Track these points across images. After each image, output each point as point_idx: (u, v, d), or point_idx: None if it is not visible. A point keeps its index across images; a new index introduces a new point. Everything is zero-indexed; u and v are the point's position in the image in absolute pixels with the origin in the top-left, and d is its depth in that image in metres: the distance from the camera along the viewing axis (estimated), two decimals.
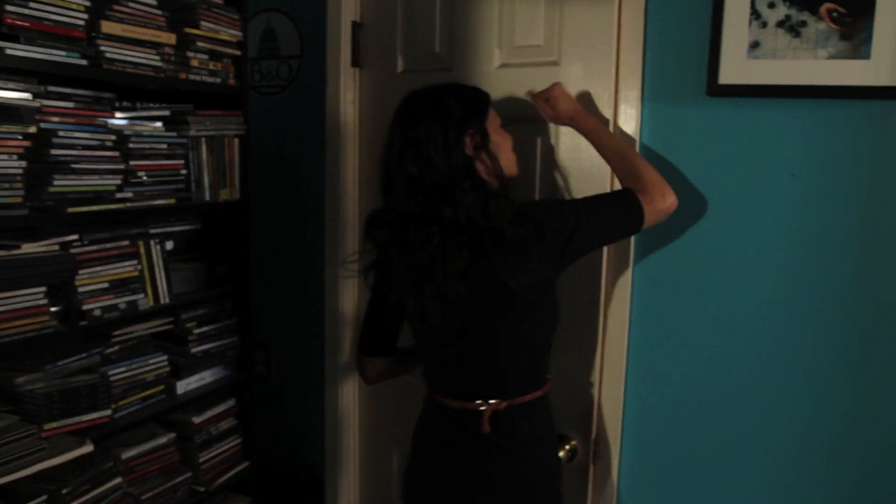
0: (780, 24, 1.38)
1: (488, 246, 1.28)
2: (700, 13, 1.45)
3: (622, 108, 1.53)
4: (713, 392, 1.53)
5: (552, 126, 1.59)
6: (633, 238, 1.55)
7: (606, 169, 1.49)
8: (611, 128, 1.53)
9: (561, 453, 1.59)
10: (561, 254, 1.30)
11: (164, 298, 1.73)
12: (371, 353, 1.53)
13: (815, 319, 1.42)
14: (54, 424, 1.50)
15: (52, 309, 1.49)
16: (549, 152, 1.61)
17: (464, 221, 1.27)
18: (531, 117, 1.56)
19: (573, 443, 1.63)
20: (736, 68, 1.42)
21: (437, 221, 1.27)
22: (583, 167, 1.57)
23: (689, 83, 1.48)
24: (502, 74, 1.65)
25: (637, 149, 1.52)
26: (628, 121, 1.52)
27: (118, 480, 1.64)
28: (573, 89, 1.55)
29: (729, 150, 1.46)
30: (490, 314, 1.32)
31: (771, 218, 1.44)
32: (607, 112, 1.53)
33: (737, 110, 1.44)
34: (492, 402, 1.35)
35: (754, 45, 1.40)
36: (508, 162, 1.39)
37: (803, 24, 1.36)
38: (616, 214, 1.34)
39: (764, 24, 1.39)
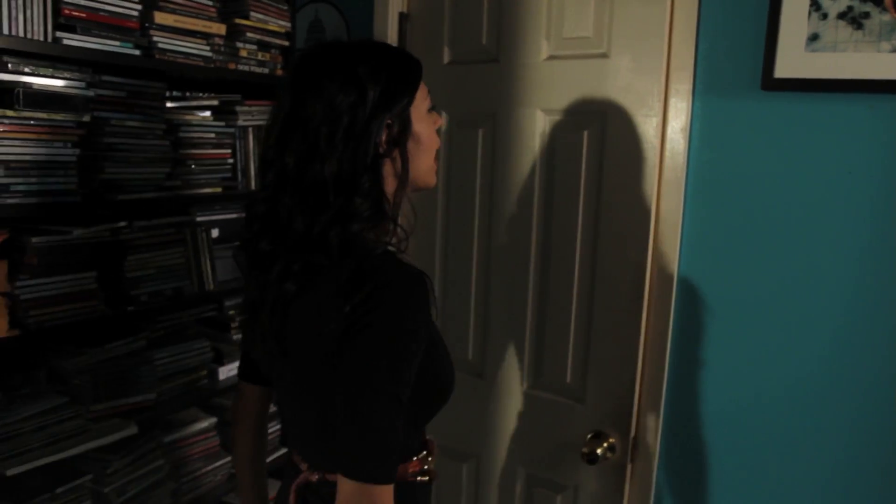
0: (842, 15, 1.33)
1: (318, 280, 0.93)
2: (757, 4, 1.40)
3: (672, 102, 1.49)
4: (756, 395, 1.48)
5: (599, 118, 1.56)
6: (679, 233, 1.51)
7: (654, 162, 1.46)
8: (659, 123, 1.49)
9: (599, 450, 1.56)
10: (333, 354, 0.90)
11: (209, 285, 1.76)
12: (243, 377, 1.19)
13: (868, 321, 1.37)
14: (100, 406, 1.53)
15: (101, 293, 1.52)
16: (597, 145, 1.58)
17: (315, 239, 0.91)
18: (579, 109, 1.54)
19: (612, 440, 1.60)
20: (793, 61, 1.37)
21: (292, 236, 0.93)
22: (632, 161, 1.53)
23: (743, 77, 1.43)
24: (550, 67, 1.63)
25: (686, 145, 1.48)
26: (678, 115, 1.49)
27: (160, 462, 1.68)
28: (622, 82, 1.52)
29: (783, 147, 1.41)
30: (304, 362, 0.97)
31: (827, 217, 1.39)
32: (657, 106, 1.49)
33: (793, 105, 1.39)
34: (303, 468, 1.06)
35: (813, 38, 1.35)
36: (427, 168, 1.02)
37: (866, 15, 1.31)
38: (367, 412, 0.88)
39: (824, 16, 1.34)
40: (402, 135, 0.95)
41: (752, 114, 1.43)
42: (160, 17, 1.55)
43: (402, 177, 0.96)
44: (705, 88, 1.47)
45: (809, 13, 1.35)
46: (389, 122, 0.94)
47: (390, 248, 0.96)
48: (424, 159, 1.00)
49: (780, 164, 1.42)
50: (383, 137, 0.93)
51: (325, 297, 0.91)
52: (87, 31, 1.42)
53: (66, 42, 1.39)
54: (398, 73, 0.96)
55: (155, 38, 1.55)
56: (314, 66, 0.94)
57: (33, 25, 1.34)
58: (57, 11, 1.38)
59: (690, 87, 1.47)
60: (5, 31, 1.30)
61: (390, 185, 0.96)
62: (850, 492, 1.42)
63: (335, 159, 0.90)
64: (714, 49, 1.46)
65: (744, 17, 1.42)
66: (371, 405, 0.87)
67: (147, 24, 1.54)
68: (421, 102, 0.99)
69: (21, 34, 1.32)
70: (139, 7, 1.51)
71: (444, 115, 1.73)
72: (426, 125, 1.00)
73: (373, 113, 0.91)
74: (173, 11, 1.58)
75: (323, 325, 0.90)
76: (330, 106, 0.90)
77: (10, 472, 1.33)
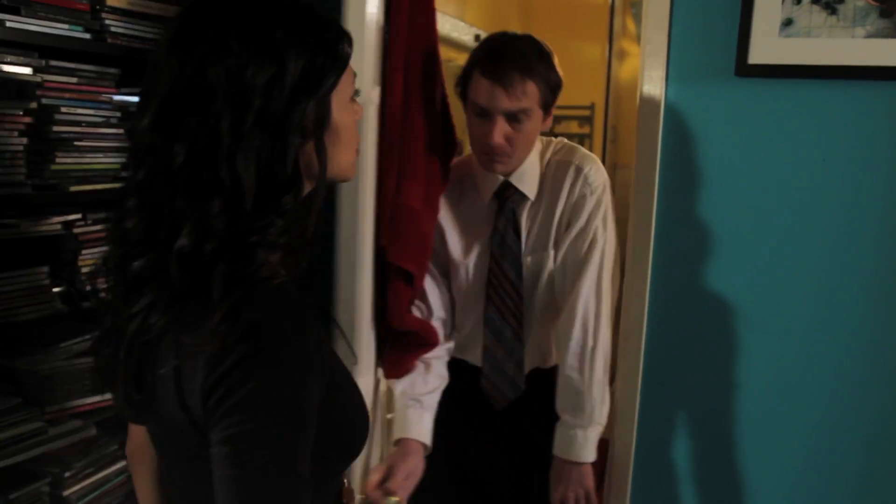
0: (816, 0, 1.30)
1: (186, 314, 0.73)
2: None
3: (645, 89, 1.46)
4: (728, 395, 1.47)
5: None
6: (653, 227, 1.49)
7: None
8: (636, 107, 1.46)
9: None
10: (202, 419, 0.72)
11: None
12: (129, 417, 0.97)
13: (843, 315, 1.36)
14: (56, 407, 1.47)
15: (55, 290, 1.46)
16: None
17: (205, 265, 0.71)
18: None
19: None
20: (767, 47, 1.35)
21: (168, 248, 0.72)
22: None
23: (716, 63, 1.41)
24: None
25: (660, 131, 1.45)
26: (651, 102, 1.46)
27: (122, 464, 1.62)
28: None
29: (758, 134, 1.39)
30: (169, 419, 0.77)
31: (801, 205, 1.37)
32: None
33: (767, 92, 1.37)
34: None
35: (787, 23, 1.33)
36: (347, 165, 0.84)
37: (840, 0, 1.29)
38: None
39: (798, 1, 1.31)
40: (320, 126, 0.76)
41: (725, 100, 1.42)
42: (112, 0, 1.48)
43: (320, 181, 0.78)
44: (678, 75, 1.45)
45: None
46: (306, 106, 0.74)
47: (281, 276, 0.75)
48: (344, 156, 0.82)
49: (754, 150, 1.40)
50: (298, 128, 0.74)
51: (193, 339, 0.70)
52: (32, 13, 1.35)
53: (9, 24, 1.31)
54: (326, 44, 0.76)
55: (107, 22, 1.47)
56: (216, 18, 0.73)
57: None
58: None
59: (664, 73, 1.45)
60: None
61: (308, 181, 0.79)
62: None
63: (246, 157, 0.70)
64: (687, 34, 1.43)
65: (717, 1, 1.39)
66: (260, 495, 0.67)
67: (98, 7, 1.46)
68: (345, 87, 0.80)
69: None
70: None
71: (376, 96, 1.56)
72: (348, 115, 0.82)
73: (292, 95, 0.72)
74: None
75: (188, 377, 0.71)
76: (238, 79, 0.70)
77: None
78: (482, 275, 1.53)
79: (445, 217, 1.56)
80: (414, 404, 1.50)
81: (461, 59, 3.46)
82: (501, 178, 1.49)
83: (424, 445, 1.48)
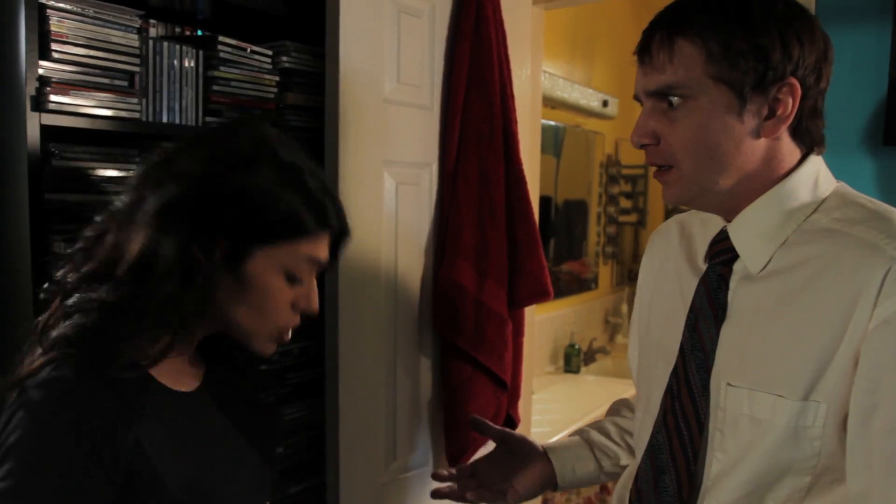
0: None
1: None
2: (877, 57, 1.39)
3: None
4: None
5: None
6: None
7: None
8: None
9: None
10: None
11: None
12: None
13: None
14: None
15: None
16: None
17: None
18: None
19: None
20: None
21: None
22: None
23: (865, 133, 1.41)
24: None
25: None
26: None
27: None
28: None
29: None
30: None
31: None
32: None
33: None
34: None
35: None
36: (246, 325, 0.87)
37: None
38: None
39: None
40: (233, 262, 0.83)
41: (874, 170, 1.41)
42: (292, 98, 1.69)
43: (232, 320, 0.86)
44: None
45: None
46: (223, 240, 0.82)
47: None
48: (245, 318, 0.86)
49: None
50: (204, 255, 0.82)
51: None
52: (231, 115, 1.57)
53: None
54: (287, 210, 0.84)
55: (288, 118, 1.69)
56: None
57: (187, 113, 1.50)
58: (207, 99, 1.53)
59: None
60: (164, 118, 1.46)
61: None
62: None
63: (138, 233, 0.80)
64: (834, 105, 1.45)
65: (864, 71, 1.41)
66: None
67: (281, 105, 1.68)
68: (287, 258, 0.85)
69: (177, 121, 1.48)
70: (275, 90, 1.66)
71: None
72: (274, 285, 0.85)
73: (228, 212, 0.82)
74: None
75: None
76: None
77: None
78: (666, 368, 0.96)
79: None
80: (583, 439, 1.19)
81: (589, 123, 3.57)
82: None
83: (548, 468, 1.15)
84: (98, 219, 0.86)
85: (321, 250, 0.87)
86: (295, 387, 1.70)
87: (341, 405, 1.56)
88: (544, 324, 3.16)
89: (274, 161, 0.84)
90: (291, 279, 0.86)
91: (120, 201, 0.84)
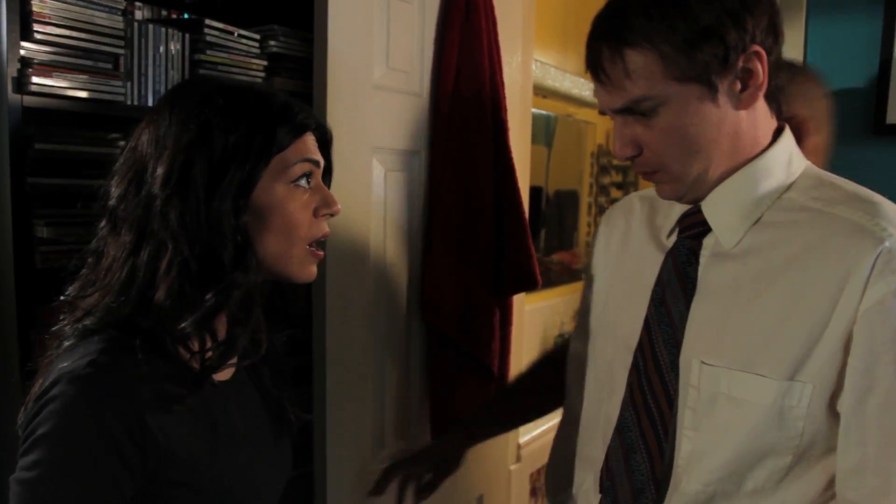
0: None
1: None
2: (867, 46, 1.39)
3: None
4: None
5: None
6: None
7: None
8: None
9: None
10: None
11: None
12: None
13: None
14: None
15: None
16: None
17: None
18: None
19: None
20: None
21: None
22: None
23: (853, 122, 1.41)
24: None
25: None
26: None
27: None
28: None
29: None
30: None
31: None
32: None
33: None
34: None
35: None
36: (275, 251, 0.86)
37: None
38: None
39: None
40: (241, 195, 0.82)
41: (862, 159, 1.41)
42: (280, 83, 1.68)
43: (251, 270, 0.84)
44: None
45: None
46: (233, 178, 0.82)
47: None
48: (272, 243, 0.85)
49: None
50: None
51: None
52: None
53: None
54: (261, 123, 0.83)
55: None
56: (172, 99, 0.86)
57: None
58: None
59: None
60: (149, 102, 1.44)
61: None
62: None
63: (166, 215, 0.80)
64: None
65: (853, 59, 1.41)
66: None
67: None
68: (285, 168, 0.85)
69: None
70: (263, 75, 1.64)
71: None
72: (285, 199, 0.85)
73: (219, 164, 0.81)
74: None
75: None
76: (163, 143, 0.82)
77: None
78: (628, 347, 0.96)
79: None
80: None
81: (580, 113, 3.56)
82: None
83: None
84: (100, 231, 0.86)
85: (312, 150, 0.88)
86: None
87: (329, 393, 1.55)
88: (534, 314, 3.15)
89: (226, 92, 0.83)
90: (298, 183, 0.86)
91: (120, 200, 0.84)
